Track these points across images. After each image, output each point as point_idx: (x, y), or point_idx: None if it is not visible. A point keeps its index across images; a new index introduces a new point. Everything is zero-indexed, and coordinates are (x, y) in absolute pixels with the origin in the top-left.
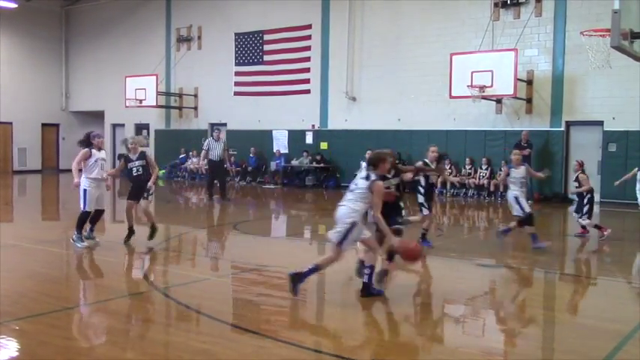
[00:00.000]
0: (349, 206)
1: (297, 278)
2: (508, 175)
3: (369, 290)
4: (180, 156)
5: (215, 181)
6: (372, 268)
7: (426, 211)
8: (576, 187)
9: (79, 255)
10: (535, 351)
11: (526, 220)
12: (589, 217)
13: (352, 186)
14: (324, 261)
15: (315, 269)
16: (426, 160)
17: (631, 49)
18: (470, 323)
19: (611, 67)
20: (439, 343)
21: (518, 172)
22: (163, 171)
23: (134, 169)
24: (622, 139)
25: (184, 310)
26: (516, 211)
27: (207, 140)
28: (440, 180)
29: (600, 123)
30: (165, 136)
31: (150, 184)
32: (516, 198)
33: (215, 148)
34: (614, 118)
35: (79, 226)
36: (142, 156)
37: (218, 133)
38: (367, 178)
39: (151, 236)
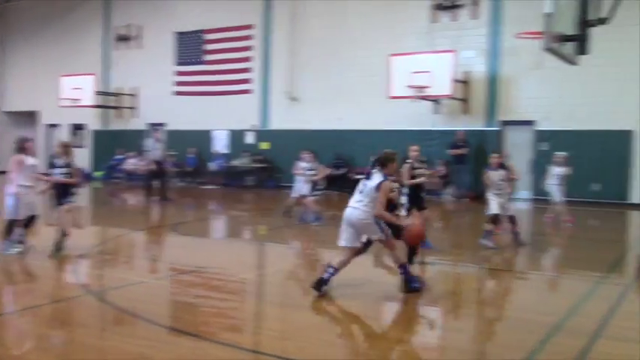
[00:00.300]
0: (361, 209)
1: (407, 287)
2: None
3: (411, 285)
4: (119, 157)
5: (154, 182)
6: (403, 266)
7: (403, 212)
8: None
9: (10, 260)
10: (470, 345)
11: (491, 219)
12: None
13: (360, 186)
14: (396, 257)
15: (404, 266)
16: (410, 161)
17: (561, 52)
18: (407, 319)
19: (544, 69)
20: (376, 339)
21: (496, 175)
22: (101, 172)
23: (58, 176)
24: (553, 138)
25: (120, 314)
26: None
27: (149, 141)
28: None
29: (532, 122)
30: (103, 137)
31: (60, 179)
32: (490, 200)
33: (156, 149)
34: (545, 118)
35: (7, 235)
36: (69, 164)
37: (159, 134)
38: (369, 177)
39: (57, 249)
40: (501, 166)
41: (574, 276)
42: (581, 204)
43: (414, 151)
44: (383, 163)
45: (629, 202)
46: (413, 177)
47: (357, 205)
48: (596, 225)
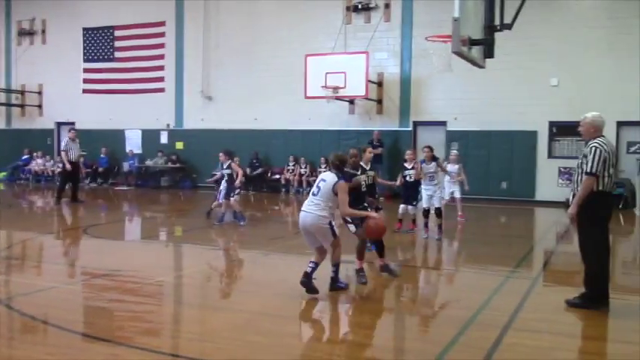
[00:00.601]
0: (316, 214)
1: (334, 286)
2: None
3: (336, 284)
4: (24, 157)
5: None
6: (337, 265)
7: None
8: (411, 176)
9: None
10: (389, 341)
11: (423, 213)
12: (416, 205)
13: (315, 189)
14: (336, 255)
15: (337, 266)
16: (361, 163)
17: (469, 55)
18: (326, 317)
19: (453, 71)
20: (297, 338)
21: (428, 167)
22: (4, 173)
23: None
24: (463, 138)
25: (29, 322)
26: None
27: (64, 140)
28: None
29: (444, 123)
30: (6, 136)
31: None
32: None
33: (73, 149)
34: (455, 119)
35: None
36: None
37: (74, 133)
38: (324, 179)
39: None
40: (433, 158)
41: (486, 271)
42: (491, 201)
43: (368, 152)
44: (337, 166)
45: (535, 199)
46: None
47: (311, 209)
48: (505, 221)
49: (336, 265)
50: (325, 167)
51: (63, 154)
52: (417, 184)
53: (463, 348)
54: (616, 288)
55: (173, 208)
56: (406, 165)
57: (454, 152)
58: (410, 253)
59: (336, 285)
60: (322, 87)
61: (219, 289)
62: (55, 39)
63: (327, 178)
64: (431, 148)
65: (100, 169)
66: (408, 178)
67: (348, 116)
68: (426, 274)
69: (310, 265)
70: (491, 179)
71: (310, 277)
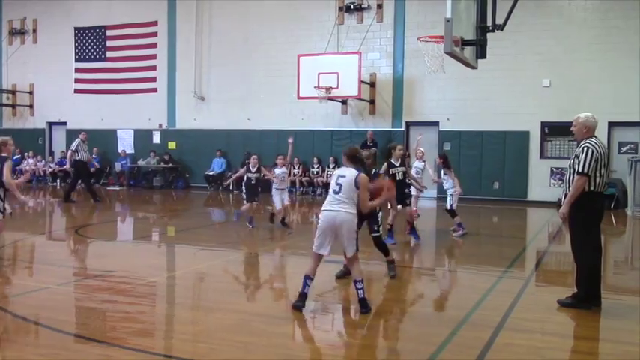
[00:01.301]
0: (347, 212)
1: (363, 303)
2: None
3: (368, 305)
4: (15, 157)
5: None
6: (361, 281)
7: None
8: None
9: None
10: (379, 340)
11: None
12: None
13: (335, 187)
14: (358, 272)
15: (361, 281)
16: (391, 161)
17: (462, 56)
18: (318, 318)
19: (445, 72)
20: (289, 339)
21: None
22: None
23: None
24: (455, 138)
25: (22, 322)
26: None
27: (76, 141)
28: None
29: (436, 123)
30: None
31: None
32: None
33: (83, 150)
34: (448, 119)
35: None
36: None
37: (86, 135)
38: (343, 175)
39: None
40: (444, 166)
41: (479, 271)
42: (483, 202)
43: (399, 150)
44: (353, 159)
45: (527, 199)
46: (393, 175)
47: (341, 208)
48: (497, 222)
49: (360, 282)
50: (318, 167)
51: (70, 153)
52: (404, 183)
53: (456, 348)
54: (608, 288)
55: (166, 208)
56: (393, 162)
57: (420, 149)
58: (403, 254)
59: (368, 306)
60: (315, 87)
61: (211, 289)
62: (47, 38)
63: (345, 173)
64: (444, 157)
65: (92, 170)
66: (397, 177)
67: (340, 116)
68: (419, 274)
69: (307, 282)
70: (483, 179)
71: (306, 298)
